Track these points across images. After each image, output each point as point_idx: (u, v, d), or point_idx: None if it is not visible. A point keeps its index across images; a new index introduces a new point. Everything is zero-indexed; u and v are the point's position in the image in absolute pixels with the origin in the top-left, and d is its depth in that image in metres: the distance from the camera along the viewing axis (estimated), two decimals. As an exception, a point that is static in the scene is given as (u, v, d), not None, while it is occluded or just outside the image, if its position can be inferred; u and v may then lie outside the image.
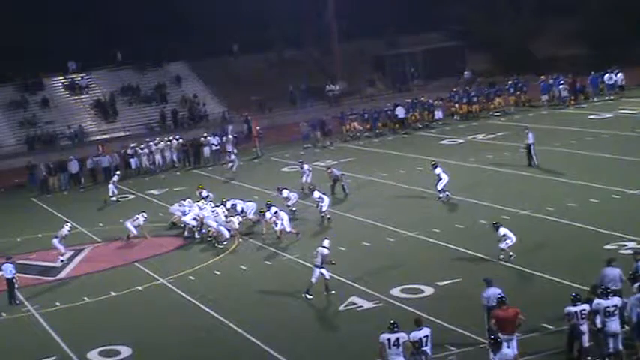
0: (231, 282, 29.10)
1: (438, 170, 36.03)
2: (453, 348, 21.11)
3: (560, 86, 54.88)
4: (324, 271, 26.40)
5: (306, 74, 66.74)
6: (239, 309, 26.20)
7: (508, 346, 19.38)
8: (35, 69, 65.18)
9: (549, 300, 22.73)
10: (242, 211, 34.88)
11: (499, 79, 59.35)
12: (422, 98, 56.30)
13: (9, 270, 29.44)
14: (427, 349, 18.83)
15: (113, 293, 29.20)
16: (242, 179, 43.97)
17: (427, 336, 18.95)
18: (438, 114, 54.80)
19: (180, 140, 52.13)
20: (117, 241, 35.82)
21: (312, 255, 27.03)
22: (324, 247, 26.71)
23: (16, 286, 29.55)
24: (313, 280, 26.35)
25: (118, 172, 46.43)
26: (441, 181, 35.71)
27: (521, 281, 25.28)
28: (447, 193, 35.60)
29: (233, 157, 47.23)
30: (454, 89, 57.81)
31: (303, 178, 39.53)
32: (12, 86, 65.52)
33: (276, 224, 32.84)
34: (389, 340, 18.84)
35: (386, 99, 60.91)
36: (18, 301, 29.39)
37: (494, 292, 20.85)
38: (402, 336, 18.86)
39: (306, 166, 39.98)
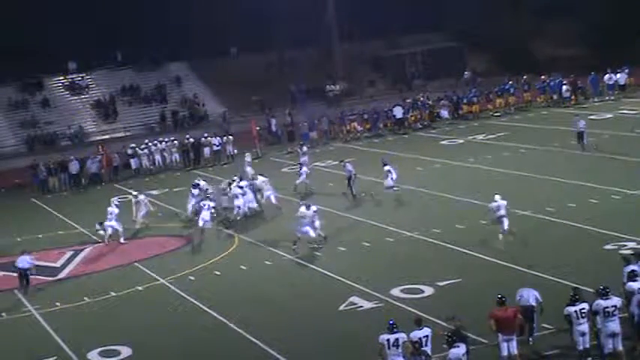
0: (231, 282, 29.11)
1: (388, 167, 36.79)
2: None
3: (563, 87, 54.87)
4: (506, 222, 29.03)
5: (306, 74, 66.71)
6: (239, 309, 26.20)
7: (508, 347, 19.47)
8: (35, 69, 65.16)
9: (549, 300, 22.67)
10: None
11: (499, 79, 59.25)
12: (421, 98, 56.37)
13: (25, 261, 30.22)
14: (427, 349, 18.83)
15: (113, 293, 29.20)
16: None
17: (427, 336, 18.95)
18: (444, 113, 54.85)
19: (191, 139, 51.91)
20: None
21: (492, 209, 29.29)
22: (499, 199, 29.40)
23: (29, 279, 30.26)
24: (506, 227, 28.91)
25: (248, 154, 44.77)
26: (390, 177, 36.55)
27: (521, 281, 25.22)
28: (396, 188, 36.58)
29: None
30: (454, 90, 57.79)
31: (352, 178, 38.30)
32: (12, 86, 65.50)
33: None
34: (388, 340, 18.84)
35: (386, 99, 60.83)
36: (26, 294, 29.83)
37: (528, 292, 20.92)
38: (402, 336, 18.85)
39: (349, 166, 38.60)
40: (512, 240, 28.80)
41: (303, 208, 31.61)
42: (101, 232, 35.52)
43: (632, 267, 21.10)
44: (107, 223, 35.53)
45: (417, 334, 18.90)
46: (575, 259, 26.59)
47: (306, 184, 39.77)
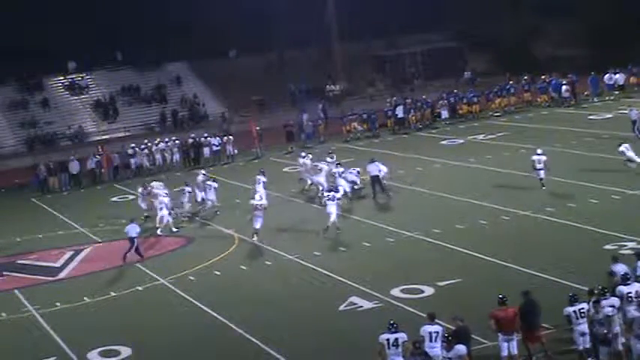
0: (231, 282, 29.11)
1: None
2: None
3: (563, 87, 54.84)
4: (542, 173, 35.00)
5: (306, 74, 66.75)
6: (239, 309, 26.20)
7: (508, 347, 19.48)
8: (35, 69, 65.17)
9: (549, 300, 22.68)
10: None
11: (499, 79, 59.26)
12: (423, 97, 56.44)
13: (134, 230, 32.25)
14: (437, 345, 18.78)
15: (113, 293, 29.21)
16: (243, 180, 43.86)
17: (437, 332, 18.93)
18: (444, 113, 54.85)
19: (193, 138, 51.97)
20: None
21: (535, 161, 35.23)
22: (540, 154, 35.45)
23: (135, 244, 32.26)
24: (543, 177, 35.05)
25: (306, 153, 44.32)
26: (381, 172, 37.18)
27: (521, 281, 25.26)
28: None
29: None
30: (452, 90, 57.82)
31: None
32: (12, 87, 65.52)
33: None
34: (388, 340, 18.85)
35: (386, 99, 60.82)
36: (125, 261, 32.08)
37: (622, 267, 21.11)
38: (402, 336, 18.86)
39: (374, 165, 38.01)
40: (542, 193, 33.92)
41: (257, 196, 33.53)
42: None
43: (618, 266, 21.27)
44: (159, 213, 35.85)
45: (427, 329, 18.89)
46: (575, 259, 26.59)
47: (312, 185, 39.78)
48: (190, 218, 37.64)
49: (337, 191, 33.71)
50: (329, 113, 57.26)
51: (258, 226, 32.86)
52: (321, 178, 37.87)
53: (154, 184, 39.08)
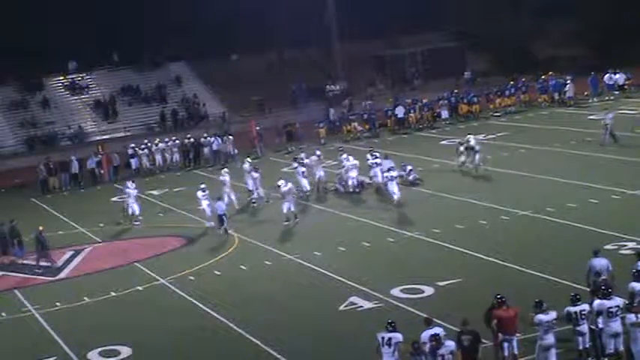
0: (231, 282, 29.10)
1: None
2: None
3: (567, 87, 54.80)
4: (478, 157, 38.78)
5: (306, 74, 66.75)
6: (239, 309, 26.21)
7: (509, 347, 19.47)
8: (35, 69, 65.18)
9: (549, 300, 22.66)
10: None
11: (499, 79, 59.26)
12: (425, 100, 56.43)
13: (221, 208, 34.21)
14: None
15: (113, 293, 29.20)
16: (244, 180, 43.81)
17: (438, 335, 18.90)
18: (444, 113, 54.85)
19: (191, 139, 51.88)
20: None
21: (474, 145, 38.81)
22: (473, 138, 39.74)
23: (226, 221, 34.21)
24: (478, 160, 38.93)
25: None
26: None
27: (521, 281, 25.28)
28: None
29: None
30: (452, 90, 57.79)
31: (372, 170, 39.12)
32: (12, 86, 65.52)
33: None
34: (383, 338, 18.87)
35: (386, 99, 60.86)
36: (226, 233, 34.01)
37: (600, 262, 21.35)
38: (396, 337, 18.82)
39: (375, 154, 39.86)
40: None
41: (281, 182, 35.35)
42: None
43: (596, 261, 21.67)
44: (232, 196, 37.35)
45: (427, 333, 18.85)
46: (575, 259, 26.55)
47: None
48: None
49: (394, 170, 36.28)
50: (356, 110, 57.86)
51: (285, 210, 34.60)
52: (353, 173, 38.96)
53: (127, 183, 39.60)
